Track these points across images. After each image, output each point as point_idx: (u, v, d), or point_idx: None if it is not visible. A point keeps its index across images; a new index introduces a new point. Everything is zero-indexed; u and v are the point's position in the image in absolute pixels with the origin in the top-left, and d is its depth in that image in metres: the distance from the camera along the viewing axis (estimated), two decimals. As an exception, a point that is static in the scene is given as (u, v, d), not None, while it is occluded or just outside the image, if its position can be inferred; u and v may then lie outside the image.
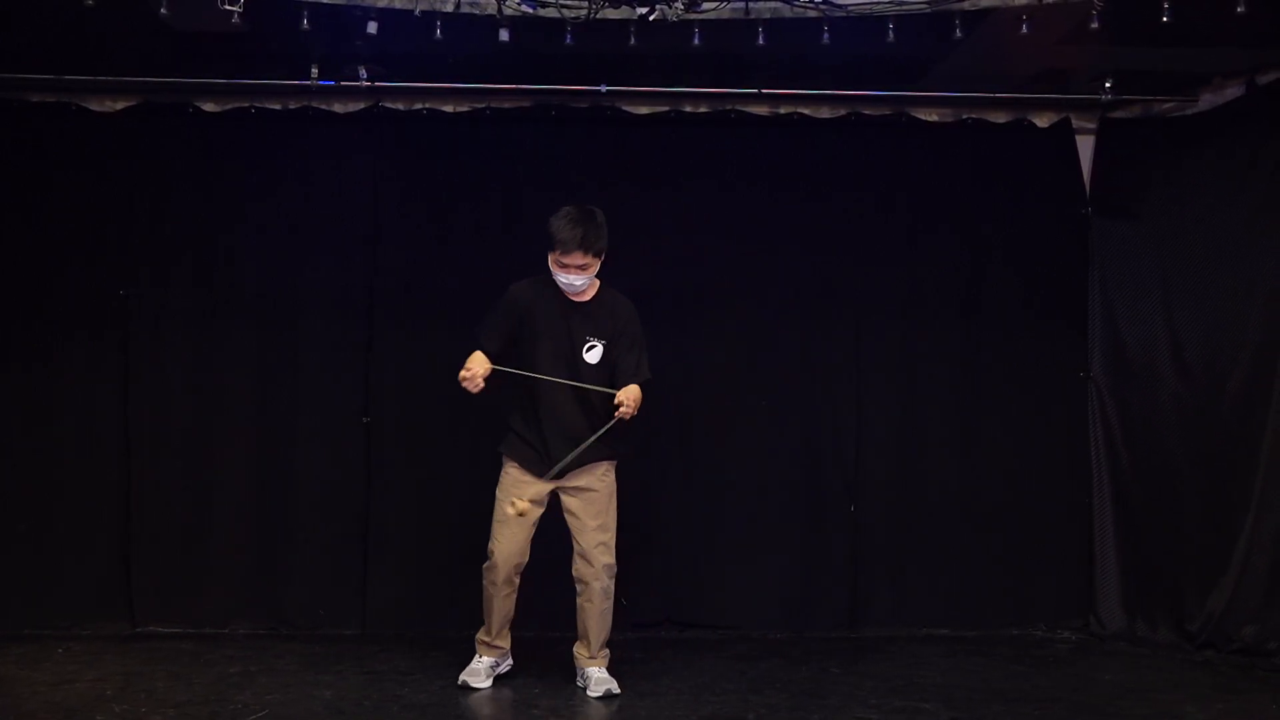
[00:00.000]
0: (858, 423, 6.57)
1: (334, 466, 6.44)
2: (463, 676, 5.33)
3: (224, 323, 6.42)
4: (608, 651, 5.34)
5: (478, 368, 5.03)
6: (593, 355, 5.21)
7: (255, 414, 6.43)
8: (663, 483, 6.50)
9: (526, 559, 5.28)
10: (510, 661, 5.47)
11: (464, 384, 5.02)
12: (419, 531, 6.43)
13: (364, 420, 6.41)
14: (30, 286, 6.38)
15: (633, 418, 5.08)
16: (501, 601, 5.30)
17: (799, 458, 6.57)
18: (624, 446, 5.34)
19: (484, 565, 5.30)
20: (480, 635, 5.40)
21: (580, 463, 5.21)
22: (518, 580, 5.30)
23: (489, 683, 5.34)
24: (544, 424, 5.19)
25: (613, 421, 5.09)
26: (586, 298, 5.25)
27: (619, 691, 5.21)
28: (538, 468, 5.22)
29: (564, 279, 5.15)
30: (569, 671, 5.40)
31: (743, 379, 6.54)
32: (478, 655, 5.40)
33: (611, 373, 5.19)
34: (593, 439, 5.12)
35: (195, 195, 6.45)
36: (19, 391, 6.36)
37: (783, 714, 5.01)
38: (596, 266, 5.16)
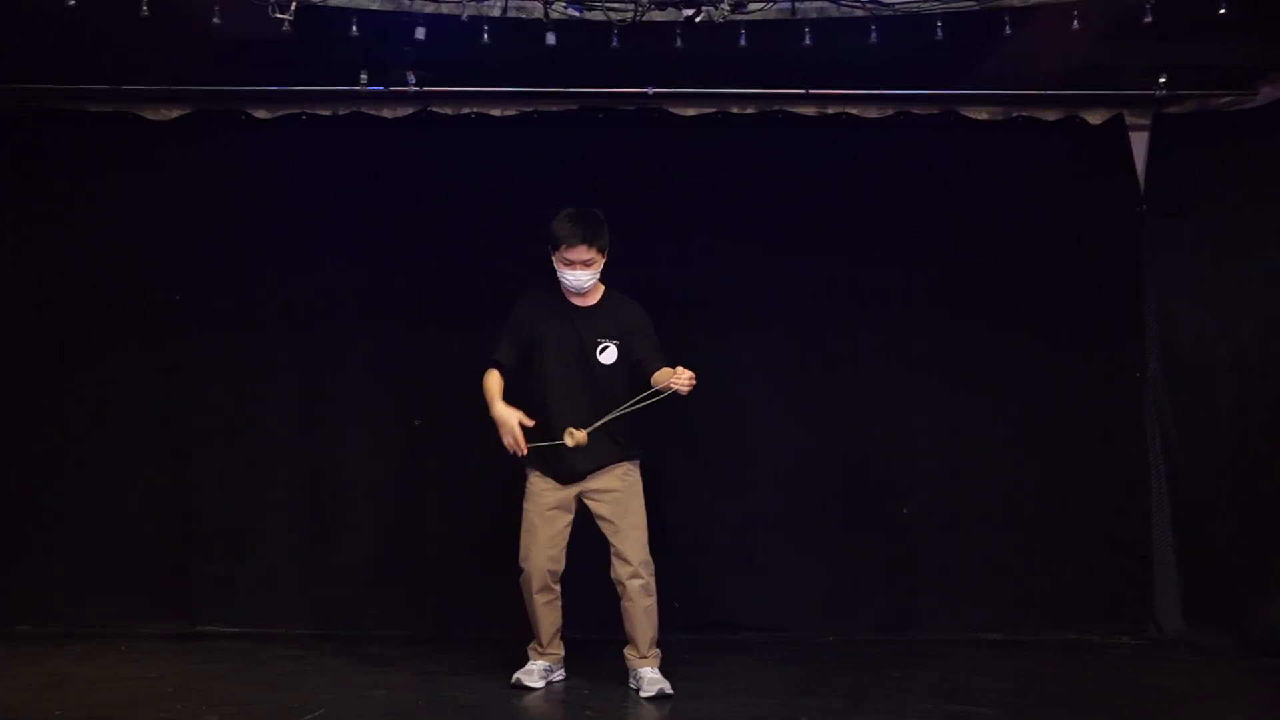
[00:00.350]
0: (910, 423, 6.53)
1: (382, 469, 6.51)
2: (517, 675, 5.34)
3: (275, 326, 6.51)
4: (658, 651, 5.33)
5: (511, 424, 5.10)
6: (606, 356, 5.21)
7: (305, 418, 6.50)
8: (710, 484, 6.49)
9: (562, 566, 5.28)
10: (563, 671, 5.47)
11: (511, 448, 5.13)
12: (465, 533, 6.45)
13: (415, 423, 6.47)
14: (89, 291, 6.51)
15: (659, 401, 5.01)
16: (543, 610, 5.31)
17: (849, 459, 6.53)
18: (639, 448, 5.31)
19: (520, 578, 5.32)
20: (532, 645, 5.42)
21: (596, 465, 5.21)
22: (557, 587, 5.31)
23: (542, 684, 5.34)
24: (558, 432, 5.12)
25: (664, 392, 4.99)
26: (591, 301, 5.27)
27: (672, 692, 5.19)
28: (558, 474, 5.24)
29: (569, 276, 5.16)
30: (621, 673, 5.40)
31: (791, 379, 6.51)
32: (531, 660, 5.42)
33: (629, 372, 5.19)
34: (633, 405, 5.07)
35: (248, 200, 6.54)
36: (80, 395, 6.49)
37: (835, 717, 4.97)
38: (600, 263, 5.17)
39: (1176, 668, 5.92)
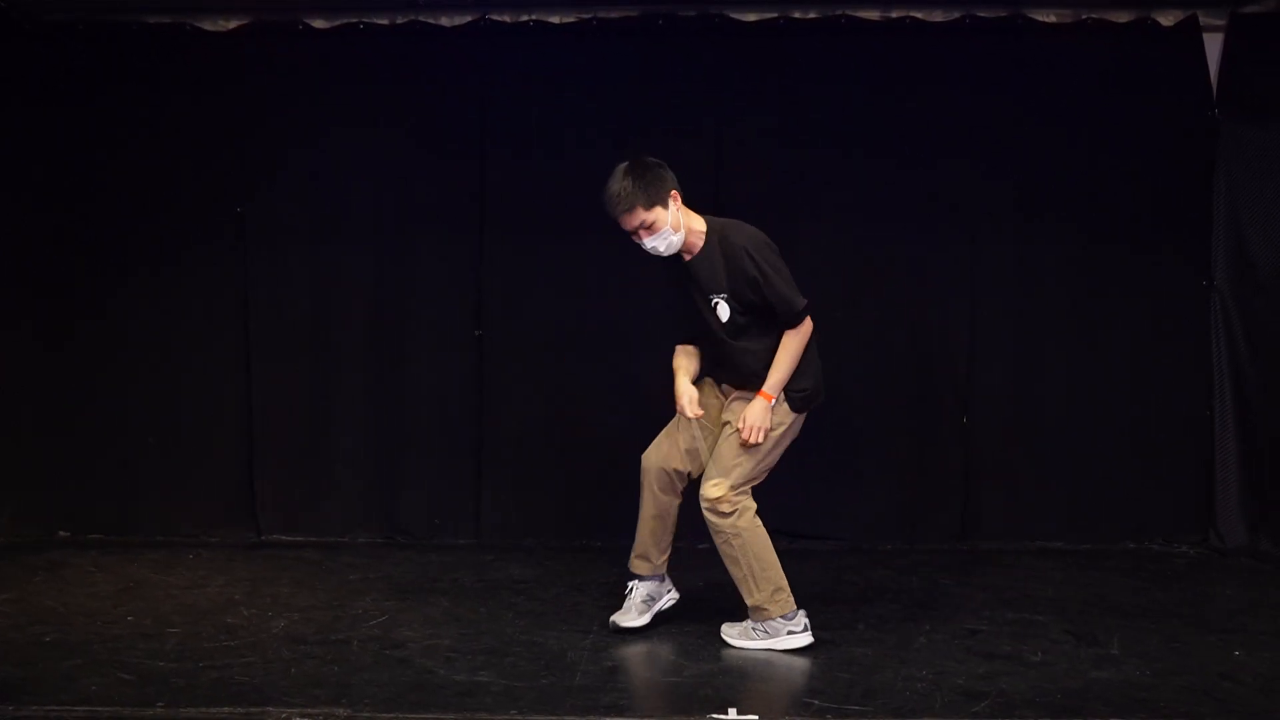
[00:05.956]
0: (972, 332, 6.46)
1: (447, 379, 6.51)
2: (612, 619, 4.89)
3: (337, 238, 6.50)
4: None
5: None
6: (723, 312, 4.61)
7: (369, 329, 6.52)
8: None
9: (686, 469, 4.80)
10: (671, 592, 5.00)
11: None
12: (531, 442, 6.49)
13: (476, 334, 6.48)
14: (150, 204, 6.51)
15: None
16: (646, 505, 4.82)
17: (912, 368, 6.48)
18: (793, 391, 4.75)
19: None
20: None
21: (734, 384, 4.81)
22: (673, 491, 4.81)
23: (643, 620, 4.85)
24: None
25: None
26: (692, 254, 4.62)
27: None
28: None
29: (642, 245, 4.59)
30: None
31: (854, 289, 6.44)
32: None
33: (762, 320, 4.62)
34: None
35: (306, 111, 6.50)
36: (144, 309, 6.54)
37: (893, 624, 5.02)
38: (661, 217, 4.48)
39: (1239, 576, 5.88)
